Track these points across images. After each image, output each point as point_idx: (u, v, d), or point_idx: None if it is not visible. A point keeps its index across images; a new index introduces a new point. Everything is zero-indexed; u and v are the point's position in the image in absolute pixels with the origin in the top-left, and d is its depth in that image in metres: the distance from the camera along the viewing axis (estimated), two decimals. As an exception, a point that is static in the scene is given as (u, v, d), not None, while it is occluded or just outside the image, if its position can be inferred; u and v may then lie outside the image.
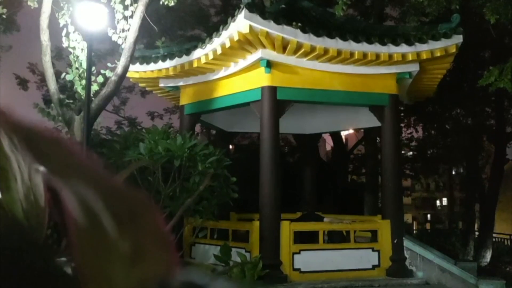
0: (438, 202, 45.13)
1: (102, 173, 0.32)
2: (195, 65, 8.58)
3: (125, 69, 7.21)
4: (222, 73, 8.69)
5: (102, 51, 14.28)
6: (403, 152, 17.90)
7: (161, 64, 8.96)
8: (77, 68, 7.53)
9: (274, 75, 8.03)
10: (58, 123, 8.19)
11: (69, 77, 7.58)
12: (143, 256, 0.31)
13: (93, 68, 7.25)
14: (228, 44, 7.70)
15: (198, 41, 8.91)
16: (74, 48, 7.53)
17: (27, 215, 0.45)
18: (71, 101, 7.45)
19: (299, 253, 7.67)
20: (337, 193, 13.98)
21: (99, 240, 0.31)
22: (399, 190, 8.91)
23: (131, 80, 10.12)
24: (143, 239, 0.32)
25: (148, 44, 10.75)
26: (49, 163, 0.32)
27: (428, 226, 32.24)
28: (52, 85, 7.28)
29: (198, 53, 8.42)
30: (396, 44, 8.10)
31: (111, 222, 0.31)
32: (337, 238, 8.65)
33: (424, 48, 8.24)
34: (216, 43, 7.89)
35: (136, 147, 7.05)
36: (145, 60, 9.12)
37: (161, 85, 9.69)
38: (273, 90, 7.98)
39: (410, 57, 8.22)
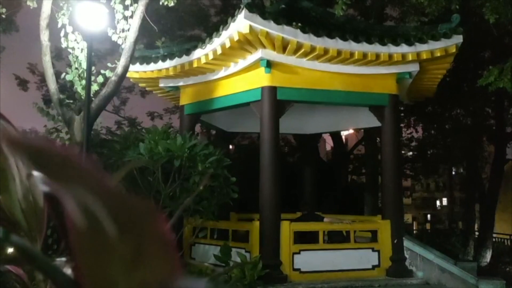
0: (438, 202, 45.14)
1: (104, 181, 0.32)
2: (195, 65, 8.57)
3: (125, 69, 7.21)
4: (222, 73, 8.69)
5: (102, 51, 14.29)
6: (403, 152, 17.90)
7: (161, 64, 8.96)
8: (76, 68, 7.54)
9: (274, 75, 8.03)
10: (58, 123, 8.20)
11: (69, 77, 7.58)
12: (145, 260, 0.31)
13: (93, 68, 7.25)
14: (228, 44, 7.69)
15: (198, 41, 8.91)
16: (73, 48, 7.53)
17: (26, 215, 0.45)
18: (71, 101, 7.46)
19: (299, 253, 7.67)
20: (337, 193, 13.97)
21: (100, 245, 0.31)
22: (399, 190, 8.91)
23: (131, 80, 10.11)
24: (145, 244, 0.32)
25: (148, 44, 10.74)
26: (51, 175, 0.32)
27: (428, 226, 32.21)
28: (52, 85, 7.28)
29: (198, 53, 8.42)
30: (396, 44, 8.10)
31: (112, 226, 0.31)
32: (337, 238, 8.64)
33: (424, 48, 8.24)
34: (216, 43, 7.89)
35: (136, 147, 7.05)
36: (145, 60, 9.12)
37: (161, 85, 9.69)
38: (273, 90, 7.98)
39: (410, 57, 8.22)
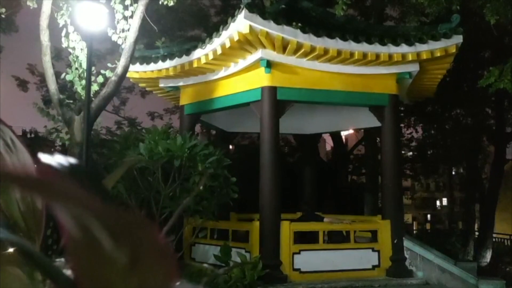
0: (438, 202, 45.13)
1: (93, 199, 0.32)
2: (195, 65, 8.57)
3: (125, 69, 7.21)
4: (222, 73, 8.69)
5: (102, 51, 14.29)
6: (403, 152, 17.90)
7: (161, 64, 8.96)
8: (76, 69, 7.54)
9: (274, 75, 8.03)
10: (58, 123, 8.20)
11: (69, 77, 7.58)
12: (141, 268, 0.32)
13: (93, 68, 7.25)
14: (228, 44, 7.69)
15: (198, 41, 8.90)
16: (73, 48, 7.53)
17: (24, 216, 0.45)
18: (71, 101, 7.46)
19: (299, 253, 7.67)
20: (337, 193, 13.97)
21: (95, 254, 0.31)
22: (399, 190, 8.90)
23: (131, 80, 10.11)
24: (141, 253, 0.32)
25: (148, 44, 10.74)
26: (47, 199, 0.33)
27: (428, 226, 32.22)
28: (52, 85, 7.27)
29: (198, 53, 8.41)
30: (396, 44, 8.10)
31: (106, 238, 0.31)
32: (337, 238, 8.64)
33: (424, 48, 8.23)
34: (216, 43, 7.89)
35: (136, 147, 7.05)
36: (145, 60, 9.12)
37: (161, 85, 9.69)
38: (273, 90, 7.98)
39: (410, 57, 8.21)
